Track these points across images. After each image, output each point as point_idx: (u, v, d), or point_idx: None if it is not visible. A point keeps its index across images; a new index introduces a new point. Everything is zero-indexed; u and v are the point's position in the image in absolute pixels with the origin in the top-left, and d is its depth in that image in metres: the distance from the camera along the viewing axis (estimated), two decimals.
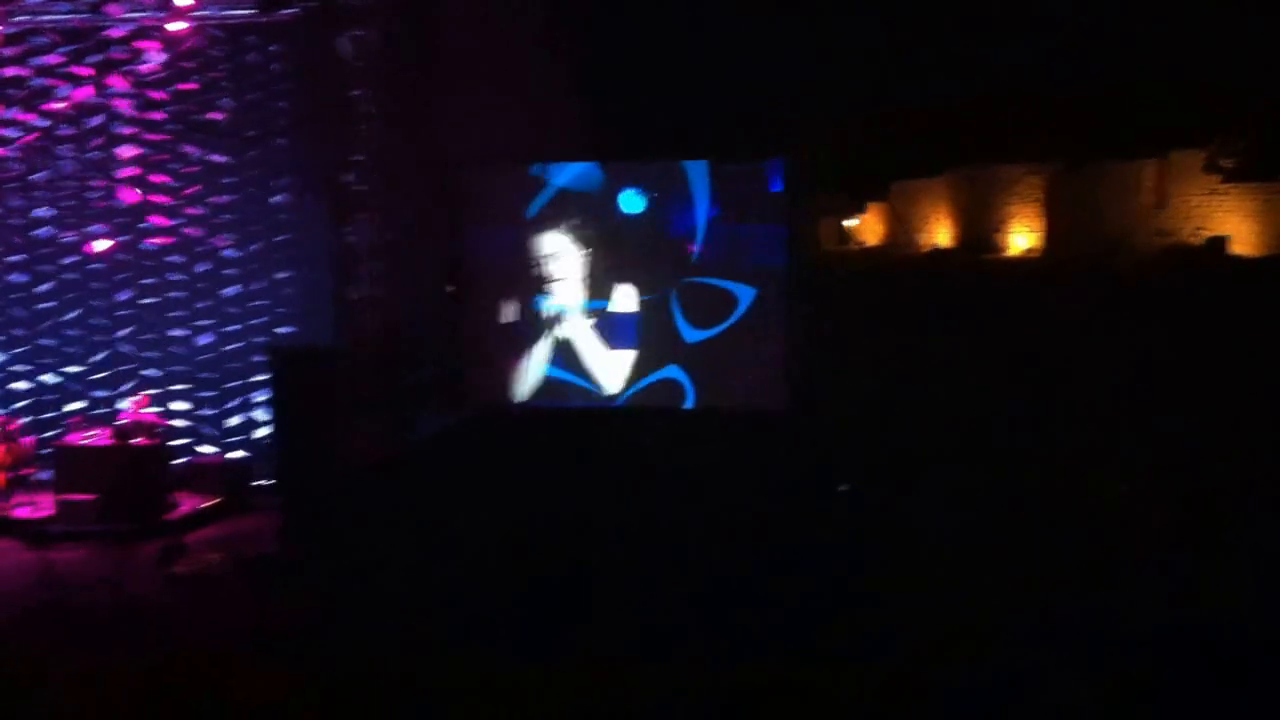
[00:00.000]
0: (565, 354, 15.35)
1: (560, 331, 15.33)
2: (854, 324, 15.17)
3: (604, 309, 15.22)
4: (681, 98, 15.52)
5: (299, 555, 12.99)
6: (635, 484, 13.50)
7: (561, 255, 15.30)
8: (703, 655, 9.20)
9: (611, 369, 15.26)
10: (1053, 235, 17.28)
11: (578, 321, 15.30)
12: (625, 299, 15.12)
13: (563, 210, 15.37)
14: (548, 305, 15.35)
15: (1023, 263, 17.47)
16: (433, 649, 9.54)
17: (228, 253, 16.84)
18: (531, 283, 15.39)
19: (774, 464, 13.89)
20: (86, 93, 16.72)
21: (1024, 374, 14.13)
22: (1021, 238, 17.75)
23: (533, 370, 15.47)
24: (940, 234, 18.67)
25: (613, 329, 15.20)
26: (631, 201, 15.16)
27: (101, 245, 16.81)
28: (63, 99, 16.74)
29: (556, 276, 15.32)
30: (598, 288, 15.25)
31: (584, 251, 15.23)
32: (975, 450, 13.37)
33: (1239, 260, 15.72)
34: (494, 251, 15.54)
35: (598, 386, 15.28)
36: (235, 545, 13.89)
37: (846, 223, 19.68)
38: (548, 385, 15.43)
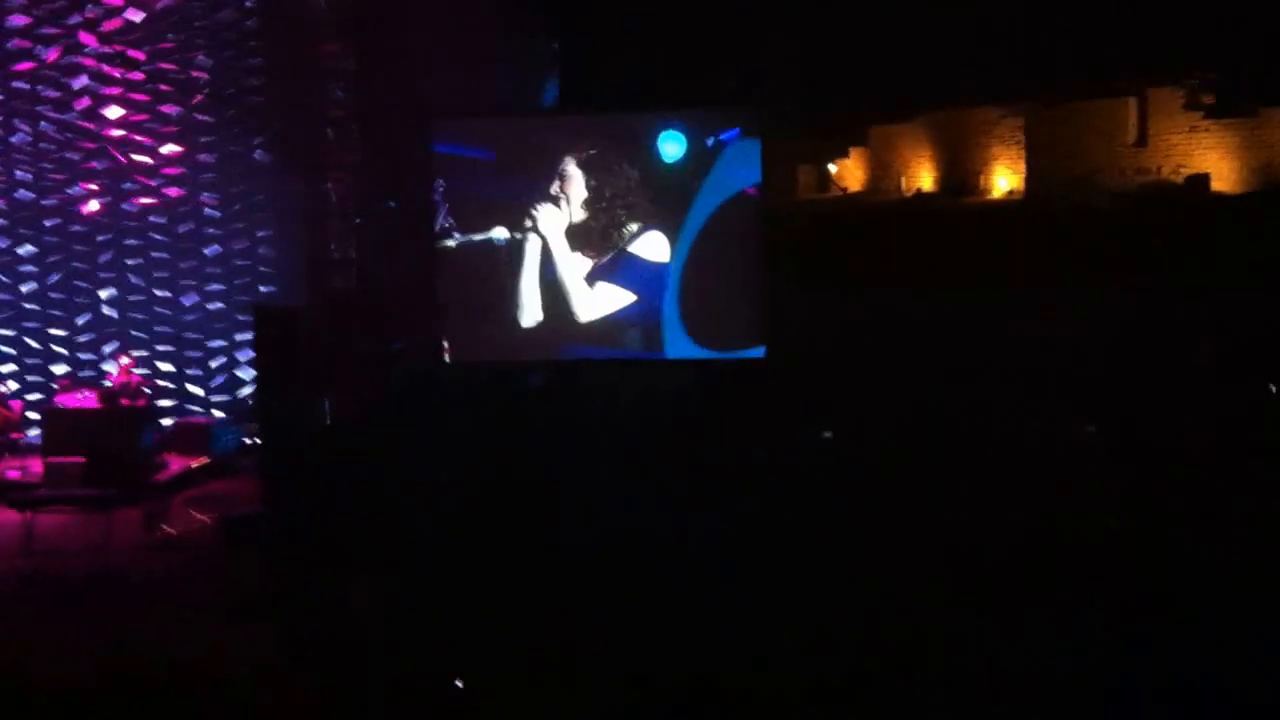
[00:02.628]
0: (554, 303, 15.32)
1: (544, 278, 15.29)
2: (832, 270, 15.12)
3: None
4: (652, 46, 15.46)
5: (277, 515, 13.01)
6: (611, 436, 13.53)
7: (543, 204, 15.25)
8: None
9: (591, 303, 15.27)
10: (1033, 176, 17.23)
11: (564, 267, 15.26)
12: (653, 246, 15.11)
13: (541, 158, 15.34)
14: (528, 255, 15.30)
15: (1003, 206, 17.39)
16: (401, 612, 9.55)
17: (209, 212, 16.85)
18: (511, 232, 15.35)
19: (753, 411, 13.91)
20: (61, 54, 16.65)
21: (1005, 320, 14.10)
22: (1003, 179, 17.71)
23: (518, 322, 15.47)
24: (923, 178, 18.63)
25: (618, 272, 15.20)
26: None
27: (92, 206, 16.80)
28: (38, 60, 16.68)
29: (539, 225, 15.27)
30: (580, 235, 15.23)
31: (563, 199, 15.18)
32: (958, 398, 13.37)
33: (1221, 198, 15.65)
34: (471, 206, 15.49)
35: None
36: (222, 506, 13.93)
37: (829, 167, 19.64)
38: (535, 338, 15.44)
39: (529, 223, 15.15)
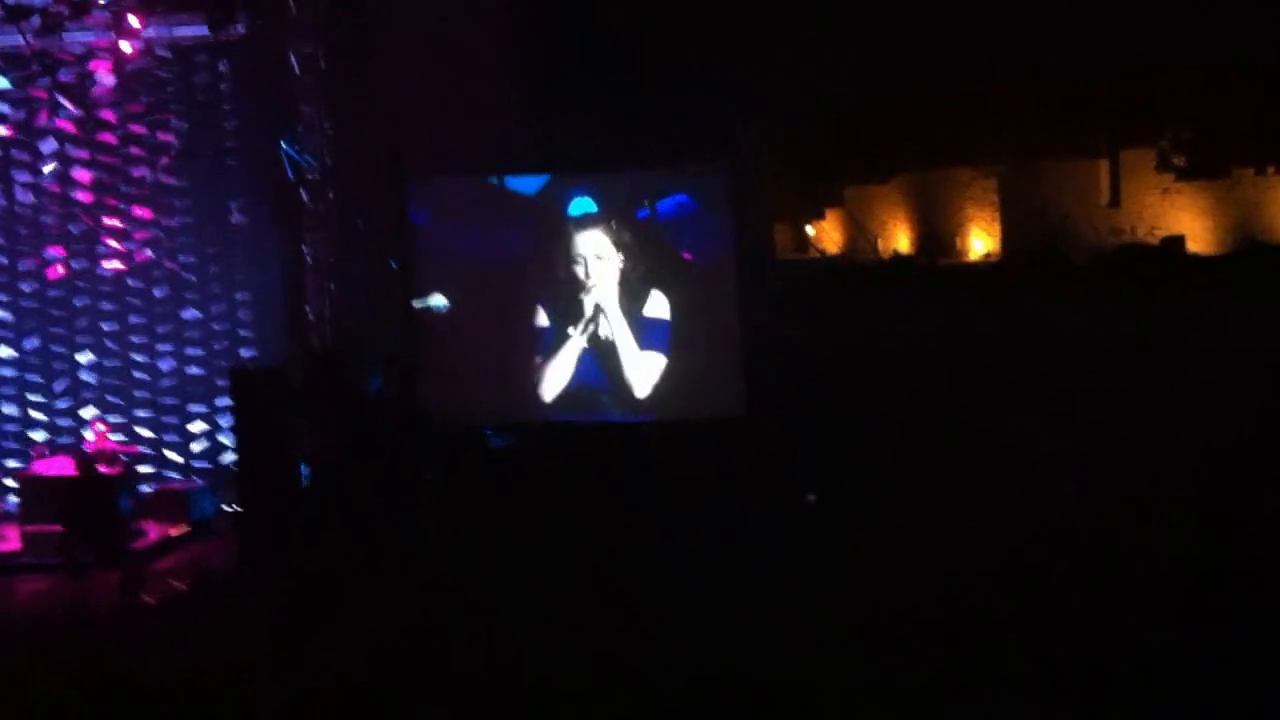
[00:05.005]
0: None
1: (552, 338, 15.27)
2: (813, 331, 15.18)
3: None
4: (627, 106, 15.50)
5: (256, 577, 12.96)
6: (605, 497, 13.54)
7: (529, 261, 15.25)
8: None
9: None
10: (1009, 238, 17.33)
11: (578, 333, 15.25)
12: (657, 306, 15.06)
13: (518, 215, 15.37)
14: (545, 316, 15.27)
15: (980, 267, 17.51)
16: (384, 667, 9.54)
17: (185, 275, 16.78)
18: (493, 290, 15.33)
19: (733, 471, 13.92)
20: (36, 117, 16.61)
21: (986, 380, 14.17)
22: (979, 241, 17.81)
23: (499, 381, 15.44)
24: (900, 239, 18.72)
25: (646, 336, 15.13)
26: (581, 206, 15.19)
27: (60, 270, 16.72)
28: (11, 123, 16.63)
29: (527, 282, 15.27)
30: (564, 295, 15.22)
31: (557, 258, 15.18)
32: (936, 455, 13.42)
33: (1196, 258, 15.78)
34: (449, 262, 15.49)
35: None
36: (200, 572, 13.84)
37: (807, 229, 19.74)
38: (514, 398, 15.40)
39: (578, 290, 15.14)
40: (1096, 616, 10.18)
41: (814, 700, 8.68)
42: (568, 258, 15.17)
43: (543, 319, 15.35)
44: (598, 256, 15.10)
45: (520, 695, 9.11)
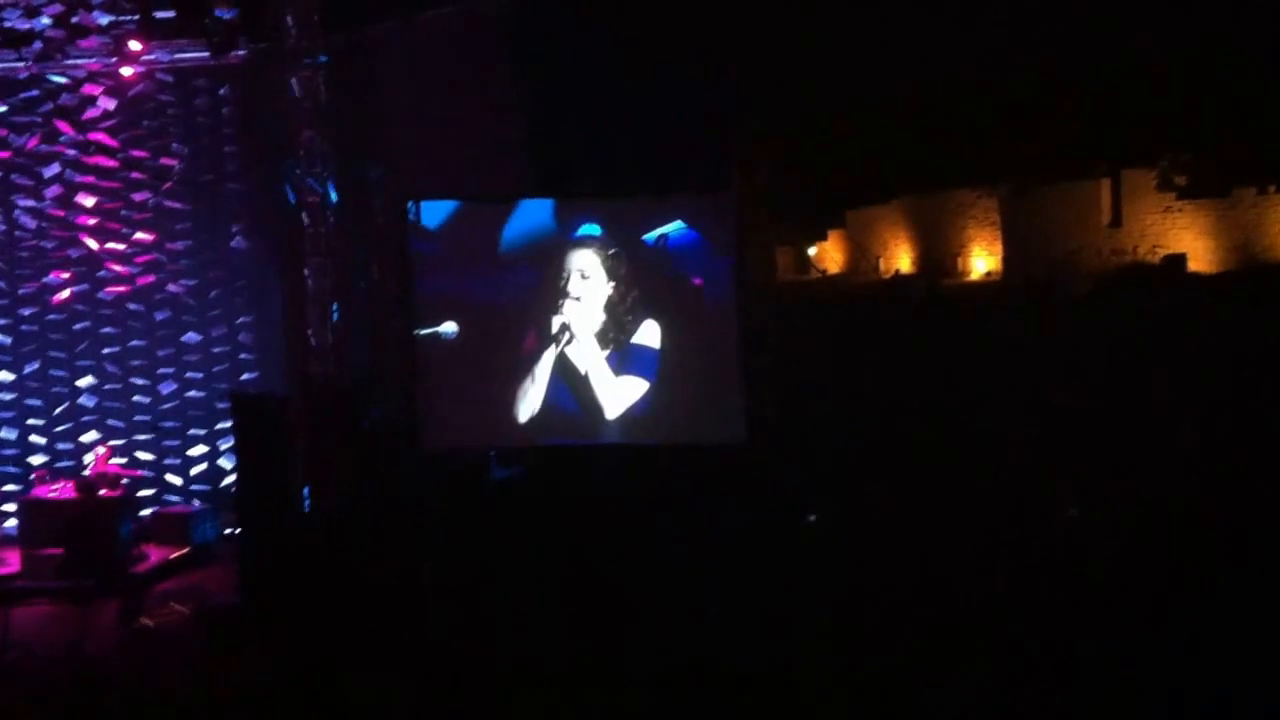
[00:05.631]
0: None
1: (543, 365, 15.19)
2: (814, 354, 15.16)
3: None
4: (631, 131, 15.48)
5: (257, 607, 12.90)
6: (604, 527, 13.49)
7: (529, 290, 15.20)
8: None
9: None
10: (1011, 258, 17.31)
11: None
12: (648, 334, 14.97)
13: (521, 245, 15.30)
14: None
15: (982, 287, 17.49)
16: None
17: (188, 300, 16.79)
18: (496, 319, 15.28)
19: (734, 498, 13.87)
20: (36, 142, 16.64)
21: (989, 401, 14.14)
22: (981, 261, 17.79)
23: (498, 408, 15.38)
24: (901, 260, 18.70)
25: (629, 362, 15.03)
26: (585, 230, 15.12)
27: (63, 294, 16.74)
28: (12, 148, 16.66)
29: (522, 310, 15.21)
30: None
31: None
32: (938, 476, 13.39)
33: (1199, 278, 15.75)
34: (450, 288, 15.44)
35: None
36: (201, 597, 13.81)
37: (808, 251, 19.73)
38: (512, 424, 15.34)
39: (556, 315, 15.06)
40: (1073, 609, 10.21)
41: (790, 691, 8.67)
42: (557, 275, 15.11)
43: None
44: (583, 275, 15.02)
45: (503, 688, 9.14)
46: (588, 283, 14.97)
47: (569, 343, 14.94)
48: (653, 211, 15.03)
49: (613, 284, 14.94)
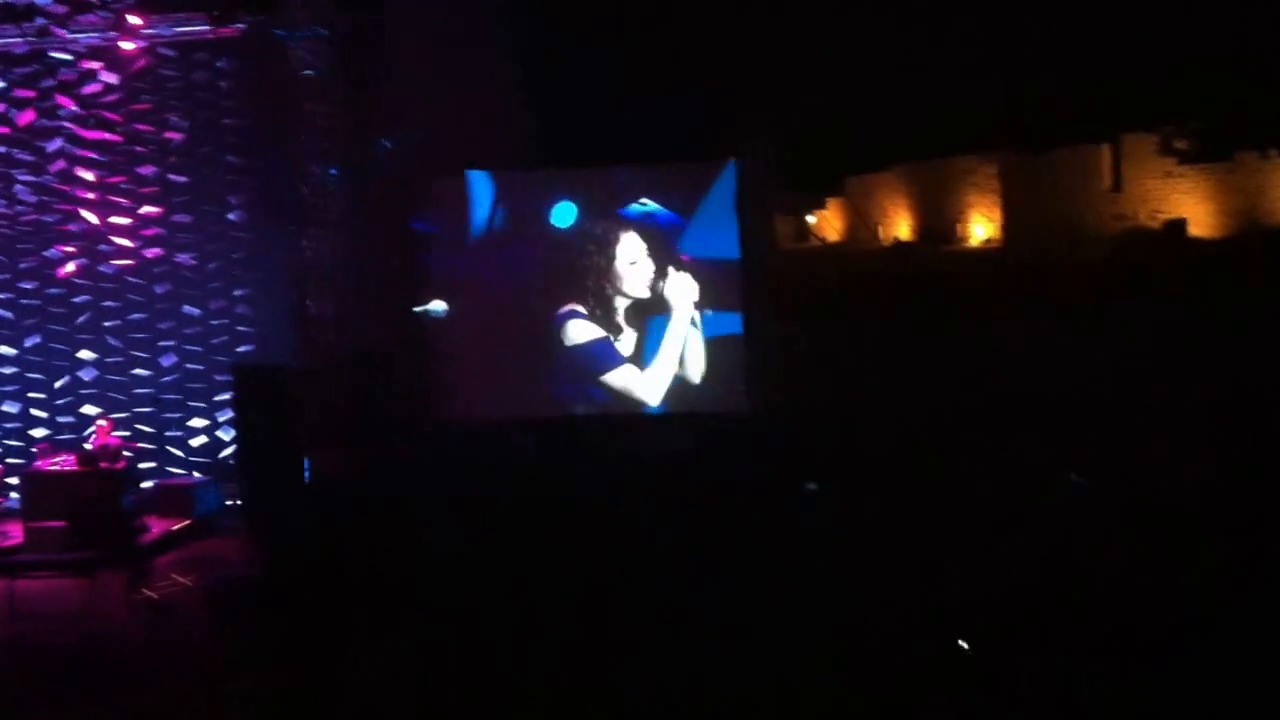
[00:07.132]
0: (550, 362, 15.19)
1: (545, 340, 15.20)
2: (815, 322, 15.14)
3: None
4: (631, 102, 15.47)
5: (265, 578, 12.90)
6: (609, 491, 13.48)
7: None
8: None
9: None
10: (1010, 224, 17.28)
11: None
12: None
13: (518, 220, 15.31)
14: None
15: (982, 253, 17.45)
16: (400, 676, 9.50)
17: (187, 273, 16.77)
18: (498, 293, 15.28)
19: (738, 466, 13.86)
20: (37, 116, 16.60)
21: (987, 368, 14.12)
22: (980, 227, 17.77)
23: (506, 380, 15.40)
24: (901, 227, 18.68)
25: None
26: (564, 214, 15.17)
27: (68, 268, 16.72)
28: (13, 123, 16.63)
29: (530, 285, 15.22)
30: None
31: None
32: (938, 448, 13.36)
33: (1199, 242, 15.72)
34: (455, 265, 15.43)
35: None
36: (204, 568, 13.81)
37: (808, 218, 19.68)
38: (521, 396, 15.34)
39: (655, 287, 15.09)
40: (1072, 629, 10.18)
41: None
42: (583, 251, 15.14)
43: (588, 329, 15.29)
44: (631, 262, 15.12)
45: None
46: (617, 259, 15.04)
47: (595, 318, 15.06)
48: (646, 181, 15.05)
49: (639, 258, 15.00)
